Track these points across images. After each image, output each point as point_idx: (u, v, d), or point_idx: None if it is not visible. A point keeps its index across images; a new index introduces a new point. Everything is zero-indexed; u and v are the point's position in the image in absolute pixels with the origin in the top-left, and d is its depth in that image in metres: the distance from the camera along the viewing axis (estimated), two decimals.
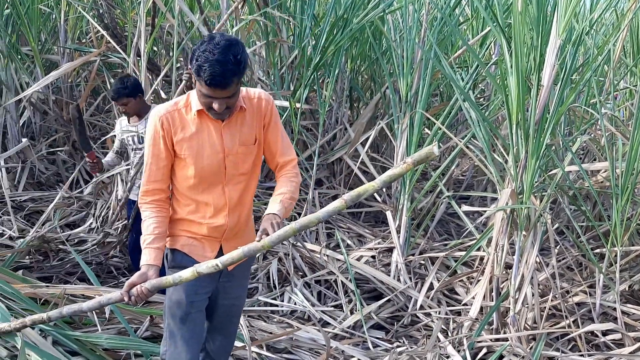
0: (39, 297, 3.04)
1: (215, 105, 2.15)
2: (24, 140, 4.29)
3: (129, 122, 4.13)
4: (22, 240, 4.34)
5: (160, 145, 2.29)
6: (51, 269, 4.29)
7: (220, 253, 2.36)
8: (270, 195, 2.62)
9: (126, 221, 4.42)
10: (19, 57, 5.96)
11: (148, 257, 2.26)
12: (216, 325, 2.57)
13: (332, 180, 5.96)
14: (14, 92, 5.80)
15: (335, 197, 5.79)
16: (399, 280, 4.46)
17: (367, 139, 5.30)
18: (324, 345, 3.67)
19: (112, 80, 5.82)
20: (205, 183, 2.33)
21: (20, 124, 6.02)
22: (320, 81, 5.69)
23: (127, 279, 3.99)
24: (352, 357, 3.58)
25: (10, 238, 4.55)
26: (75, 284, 3.90)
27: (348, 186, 5.71)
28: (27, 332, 2.61)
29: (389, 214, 4.71)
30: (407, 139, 4.52)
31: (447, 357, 3.59)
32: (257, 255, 4.12)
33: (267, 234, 2.14)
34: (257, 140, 2.36)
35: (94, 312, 3.01)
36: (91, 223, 4.93)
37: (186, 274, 2.09)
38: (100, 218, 4.90)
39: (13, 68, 5.75)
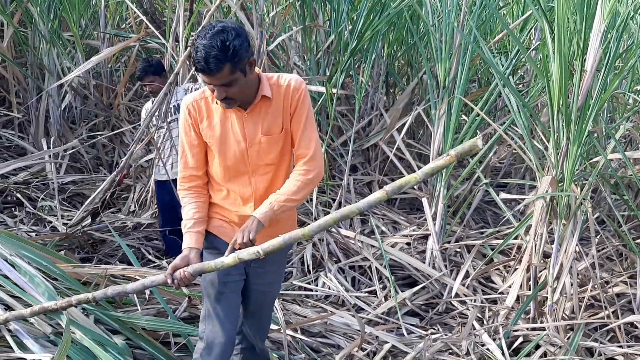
0: (80, 277, 3.13)
1: (215, 93, 2.15)
2: (74, 141, 4.44)
3: (152, 102, 4.24)
4: (65, 223, 4.47)
5: (192, 133, 2.34)
6: (94, 251, 4.41)
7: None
8: None
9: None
10: (61, 42, 6.07)
11: (189, 240, 2.31)
12: (250, 309, 2.60)
13: (366, 166, 5.94)
14: (55, 77, 5.91)
15: (370, 184, 5.78)
16: (434, 267, 4.44)
17: (403, 125, 5.26)
18: (358, 330, 3.68)
19: None
20: (231, 172, 2.35)
21: (62, 108, 6.14)
22: (356, 66, 5.66)
23: (166, 261, 4.10)
24: (386, 342, 3.59)
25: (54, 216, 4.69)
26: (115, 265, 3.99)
27: (383, 173, 5.68)
28: (71, 310, 2.68)
29: (424, 201, 4.68)
30: (444, 125, 4.46)
31: (482, 345, 3.57)
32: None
33: (237, 243, 2.16)
34: (283, 129, 2.31)
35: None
36: (130, 206, 5.04)
37: (228, 260, 2.13)
38: (139, 201, 5.00)
39: (55, 53, 5.86)
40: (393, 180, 5.82)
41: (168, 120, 4.14)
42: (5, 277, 2.80)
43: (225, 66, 2.06)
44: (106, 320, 2.80)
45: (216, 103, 2.29)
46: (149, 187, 4.92)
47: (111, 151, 6.26)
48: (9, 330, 2.53)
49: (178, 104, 4.15)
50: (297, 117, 2.29)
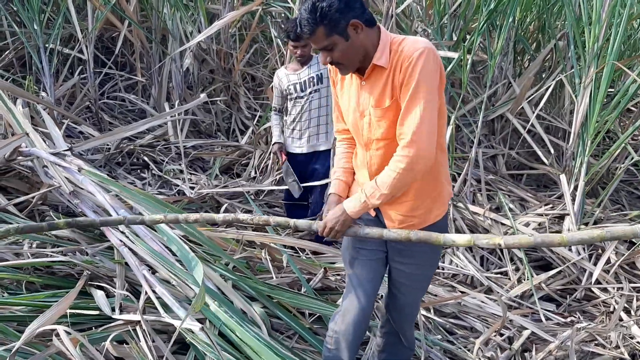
0: (216, 242, 3.10)
1: (320, 57, 2.09)
2: (202, 95, 4.44)
3: (286, 69, 4.10)
4: (191, 187, 4.53)
5: (335, 92, 2.31)
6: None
7: (379, 215, 2.26)
8: None
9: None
10: (184, 6, 6.08)
11: (334, 187, 2.32)
12: (392, 291, 2.44)
13: (491, 138, 5.60)
14: (179, 42, 5.96)
15: (494, 157, 5.46)
16: (570, 250, 4.10)
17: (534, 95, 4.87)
18: (493, 313, 3.47)
19: (272, 30, 5.82)
20: (356, 140, 2.27)
21: (183, 73, 6.20)
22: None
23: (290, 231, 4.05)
24: (524, 328, 3.35)
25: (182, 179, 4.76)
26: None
27: (515, 148, 5.33)
28: (210, 274, 2.65)
29: (563, 178, 4.31)
30: (590, 95, 4.06)
31: (632, 338, 3.25)
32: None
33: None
34: (393, 99, 2.04)
35: (269, 260, 3.02)
36: (250, 172, 5.02)
37: (373, 232, 2.08)
38: (259, 168, 4.97)
39: (178, 17, 5.89)
40: (519, 154, 5.47)
41: (308, 91, 4.00)
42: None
43: (318, 29, 1.96)
44: (244, 287, 2.75)
45: None
46: (269, 153, 4.87)
47: (228, 117, 6.28)
48: (154, 292, 2.52)
49: (319, 74, 3.98)
50: (404, 88, 1.99)
